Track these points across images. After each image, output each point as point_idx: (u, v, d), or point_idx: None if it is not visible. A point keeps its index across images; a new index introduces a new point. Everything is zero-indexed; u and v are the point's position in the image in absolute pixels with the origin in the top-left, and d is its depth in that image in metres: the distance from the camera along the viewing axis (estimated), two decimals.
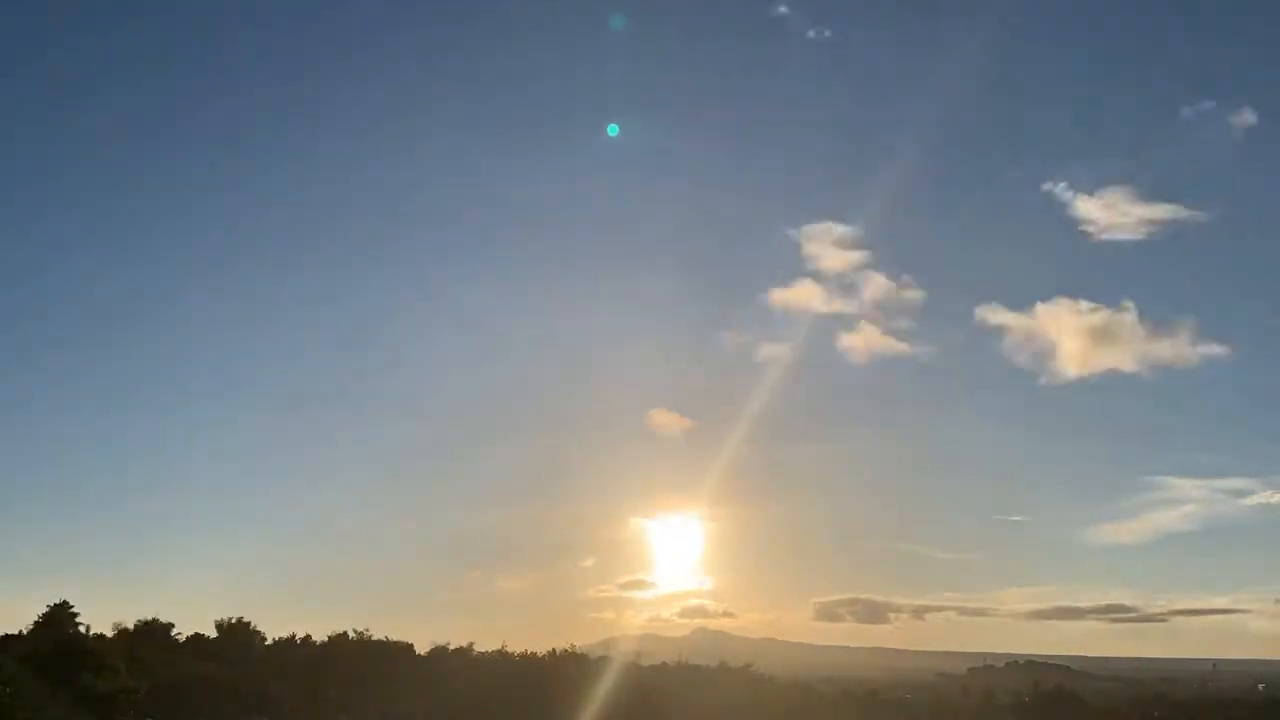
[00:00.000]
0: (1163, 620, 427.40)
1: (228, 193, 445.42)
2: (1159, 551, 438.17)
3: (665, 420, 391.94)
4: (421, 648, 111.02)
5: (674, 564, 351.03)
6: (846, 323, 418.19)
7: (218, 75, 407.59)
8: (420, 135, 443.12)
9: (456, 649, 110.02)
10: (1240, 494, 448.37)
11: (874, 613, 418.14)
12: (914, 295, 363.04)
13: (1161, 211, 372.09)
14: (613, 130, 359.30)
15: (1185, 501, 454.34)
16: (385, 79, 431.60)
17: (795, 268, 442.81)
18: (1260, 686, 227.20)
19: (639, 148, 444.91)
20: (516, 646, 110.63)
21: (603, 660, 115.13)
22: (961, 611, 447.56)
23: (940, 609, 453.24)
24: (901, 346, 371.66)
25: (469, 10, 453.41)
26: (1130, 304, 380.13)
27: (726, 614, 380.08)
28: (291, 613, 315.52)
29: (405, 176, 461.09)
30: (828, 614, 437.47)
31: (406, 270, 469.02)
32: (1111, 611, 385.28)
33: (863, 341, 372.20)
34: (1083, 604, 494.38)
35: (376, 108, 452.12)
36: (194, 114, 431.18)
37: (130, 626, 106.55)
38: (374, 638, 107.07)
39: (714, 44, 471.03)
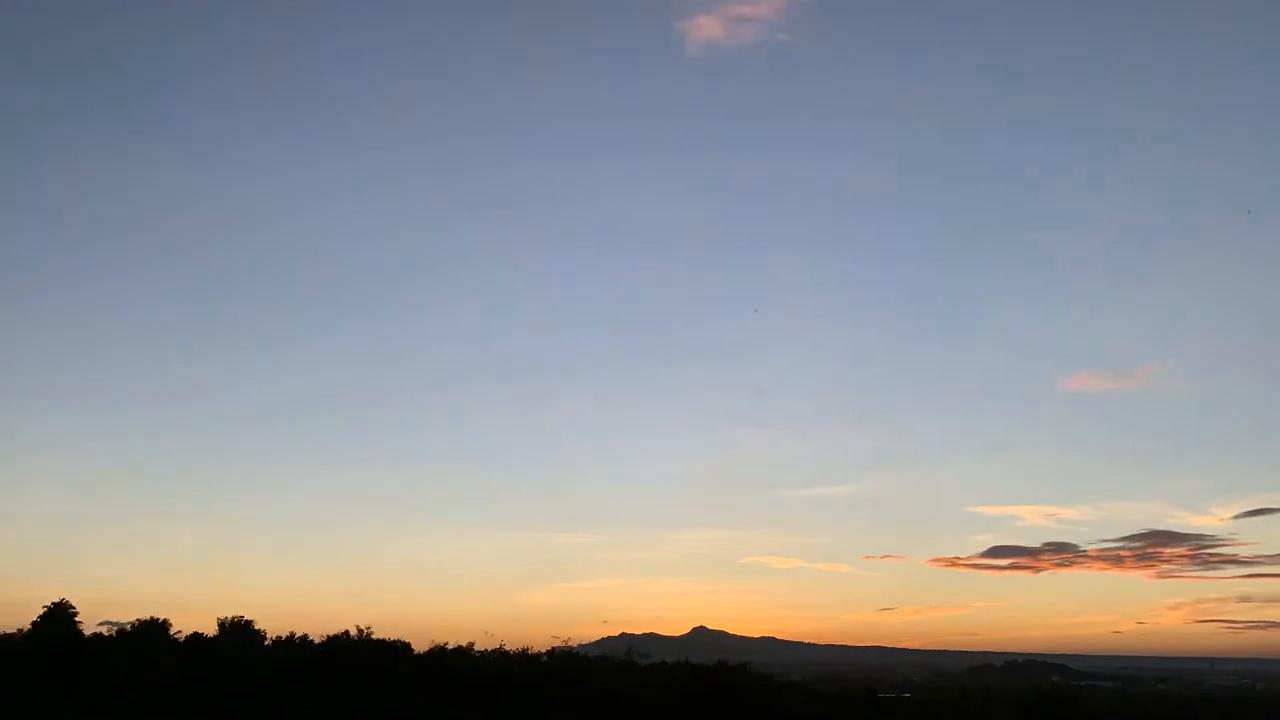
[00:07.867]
0: None
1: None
2: None
3: None
4: (420, 647, 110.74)
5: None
6: None
7: None
8: None
9: (455, 648, 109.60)
10: None
11: None
12: None
13: None
14: None
15: None
16: None
17: None
18: (1258, 685, 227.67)
19: None
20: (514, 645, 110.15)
21: (602, 659, 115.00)
22: None
23: None
24: None
25: None
26: None
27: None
28: (291, 613, 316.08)
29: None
30: None
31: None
32: None
33: None
34: None
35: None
36: None
37: (130, 626, 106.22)
38: (374, 637, 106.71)
39: None
